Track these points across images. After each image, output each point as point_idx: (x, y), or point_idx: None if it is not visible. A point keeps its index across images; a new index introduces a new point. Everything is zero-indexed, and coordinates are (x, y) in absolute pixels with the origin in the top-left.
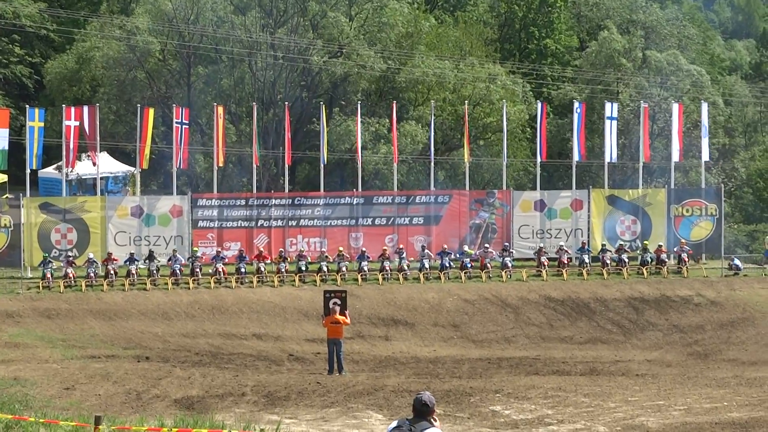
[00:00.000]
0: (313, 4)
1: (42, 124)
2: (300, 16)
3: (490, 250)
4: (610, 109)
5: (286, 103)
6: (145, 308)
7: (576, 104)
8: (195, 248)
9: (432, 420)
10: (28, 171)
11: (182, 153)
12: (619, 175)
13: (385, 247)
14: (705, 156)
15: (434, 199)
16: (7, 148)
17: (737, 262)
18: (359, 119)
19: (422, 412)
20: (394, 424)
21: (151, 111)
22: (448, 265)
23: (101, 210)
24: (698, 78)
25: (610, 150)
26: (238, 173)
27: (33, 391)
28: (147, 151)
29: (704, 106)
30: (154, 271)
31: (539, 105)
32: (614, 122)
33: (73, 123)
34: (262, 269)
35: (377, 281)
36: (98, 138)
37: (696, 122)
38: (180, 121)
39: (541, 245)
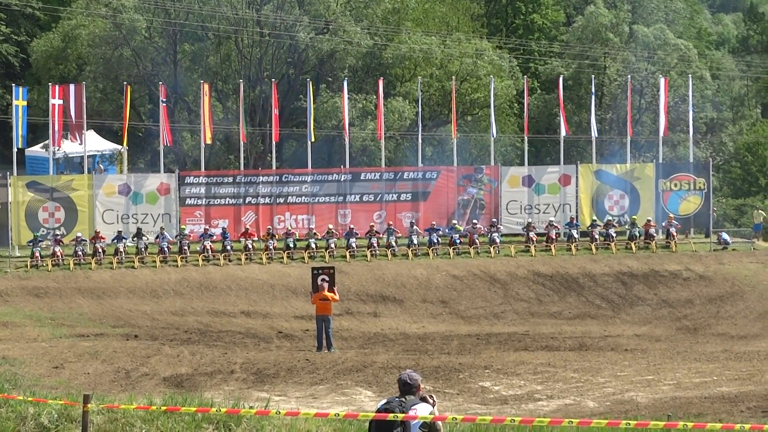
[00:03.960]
0: None
1: (25, 103)
2: None
3: (478, 225)
4: (592, 83)
5: (273, 80)
6: (134, 286)
7: (560, 79)
8: (183, 226)
9: (427, 398)
10: (14, 150)
11: (164, 131)
12: (607, 149)
13: (372, 224)
14: (691, 130)
15: (422, 175)
16: None
17: (725, 236)
18: (346, 96)
19: (406, 390)
20: (384, 401)
21: (129, 88)
22: (436, 241)
23: (88, 188)
24: (685, 52)
25: (594, 124)
26: (226, 151)
27: (21, 370)
28: (125, 128)
29: (689, 80)
30: (142, 249)
31: (526, 80)
32: (593, 97)
33: (59, 101)
34: (250, 246)
35: (365, 258)
36: (84, 116)
37: (683, 96)
38: (162, 99)
39: (530, 220)
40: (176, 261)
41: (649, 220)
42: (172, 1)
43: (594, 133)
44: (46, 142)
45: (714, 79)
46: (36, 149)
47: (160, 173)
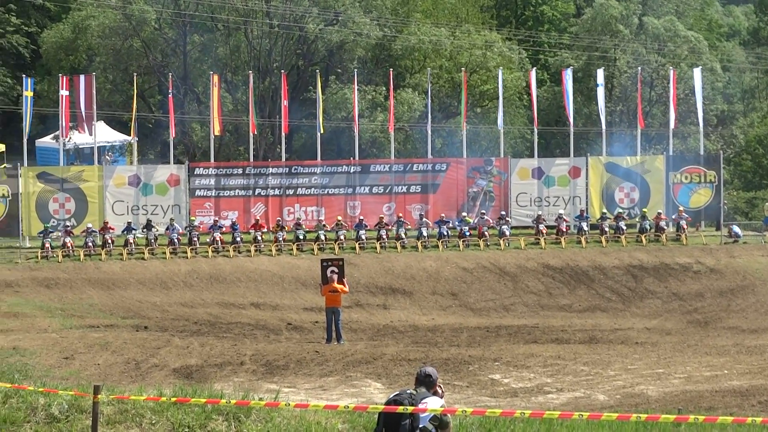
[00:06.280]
0: None
1: (32, 94)
2: None
3: (486, 217)
4: (600, 76)
5: (283, 71)
6: (144, 277)
7: (565, 71)
8: (192, 217)
9: (437, 389)
10: (25, 140)
11: (171, 122)
12: (618, 142)
13: (382, 216)
14: (700, 122)
15: (431, 167)
16: None
17: (736, 229)
18: (356, 87)
19: (425, 383)
20: (396, 393)
21: (138, 79)
22: (445, 233)
23: (99, 179)
24: (696, 44)
25: (603, 117)
26: (235, 142)
27: (32, 360)
28: (134, 119)
29: (697, 72)
30: (152, 241)
31: (533, 72)
32: (601, 89)
33: (68, 92)
34: (260, 238)
35: (375, 250)
36: (95, 107)
37: (694, 89)
38: (170, 90)
39: (540, 213)
40: (186, 252)
41: (659, 213)
42: None
43: (603, 125)
44: (57, 133)
45: (725, 71)
46: (46, 140)
47: (170, 164)
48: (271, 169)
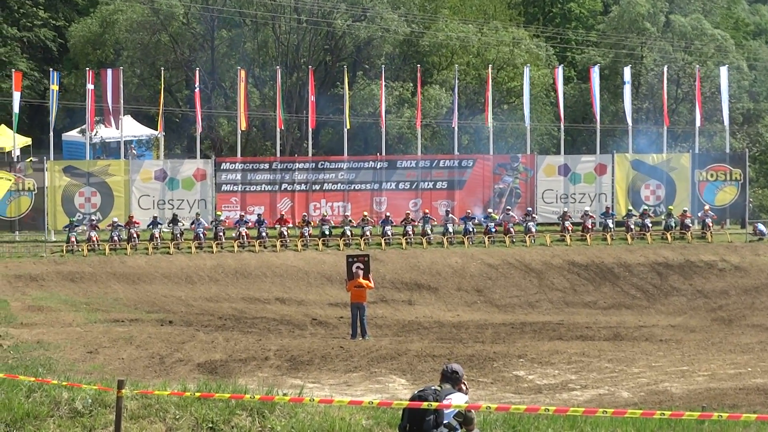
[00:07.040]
0: None
1: (58, 87)
2: None
3: (511, 214)
4: (627, 73)
5: (310, 66)
6: (169, 272)
7: (592, 69)
8: (218, 212)
9: (461, 387)
10: (51, 134)
11: (198, 116)
12: (644, 139)
13: (408, 212)
14: (726, 120)
15: (458, 163)
16: (17, 111)
17: (761, 227)
18: (383, 83)
19: (451, 379)
20: (420, 389)
21: (165, 74)
22: (471, 229)
23: (125, 173)
24: (722, 43)
25: (630, 114)
26: (262, 137)
27: (56, 354)
28: (160, 113)
29: (723, 71)
30: (178, 235)
31: (560, 69)
32: (628, 86)
33: (94, 86)
34: (285, 233)
35: (401, 246)
36: (122, 101)
37: (720, 87)
38: (195, 84)
39: (565, 210)
40: (212, 247)
41: (685, 211)
42: None
43: (630, 122)
44: (83, 127)
45: (751, 70)
46: (73, 134)
47: (197, 159)
48: (297, 164)
